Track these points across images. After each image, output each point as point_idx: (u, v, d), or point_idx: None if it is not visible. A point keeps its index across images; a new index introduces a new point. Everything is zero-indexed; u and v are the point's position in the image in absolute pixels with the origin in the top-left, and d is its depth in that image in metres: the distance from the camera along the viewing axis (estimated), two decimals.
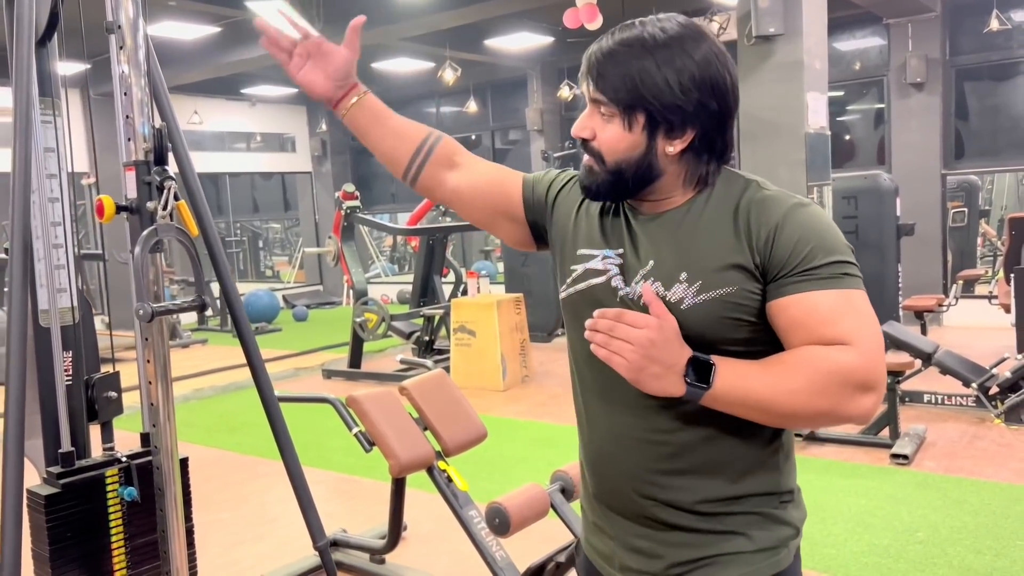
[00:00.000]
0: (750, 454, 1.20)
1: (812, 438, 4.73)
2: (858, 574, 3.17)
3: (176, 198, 1.92)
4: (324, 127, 13.16)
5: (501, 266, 11.44)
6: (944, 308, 6.88)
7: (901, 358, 4.77)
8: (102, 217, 1.88)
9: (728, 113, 1.17)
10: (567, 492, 2.71)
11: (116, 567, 2.14)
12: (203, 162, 10.78)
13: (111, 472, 2.15)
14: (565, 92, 10.24)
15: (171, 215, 1.93)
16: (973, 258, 9.93)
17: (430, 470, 2.94)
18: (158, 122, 2.02)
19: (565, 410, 5.82)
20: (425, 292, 8.13)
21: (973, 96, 8.53)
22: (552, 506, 2.63)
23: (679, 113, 1.13)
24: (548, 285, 7.87)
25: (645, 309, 1.13)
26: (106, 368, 2.42)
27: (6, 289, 1.95)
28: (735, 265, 1.14)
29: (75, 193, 2.57)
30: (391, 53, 10.06)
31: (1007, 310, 6.21)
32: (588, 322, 1.13)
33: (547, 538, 2.77)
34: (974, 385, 5.03)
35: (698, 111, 1.14)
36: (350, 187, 7.73)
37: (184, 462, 2.21)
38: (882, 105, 8.84)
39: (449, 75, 9.33)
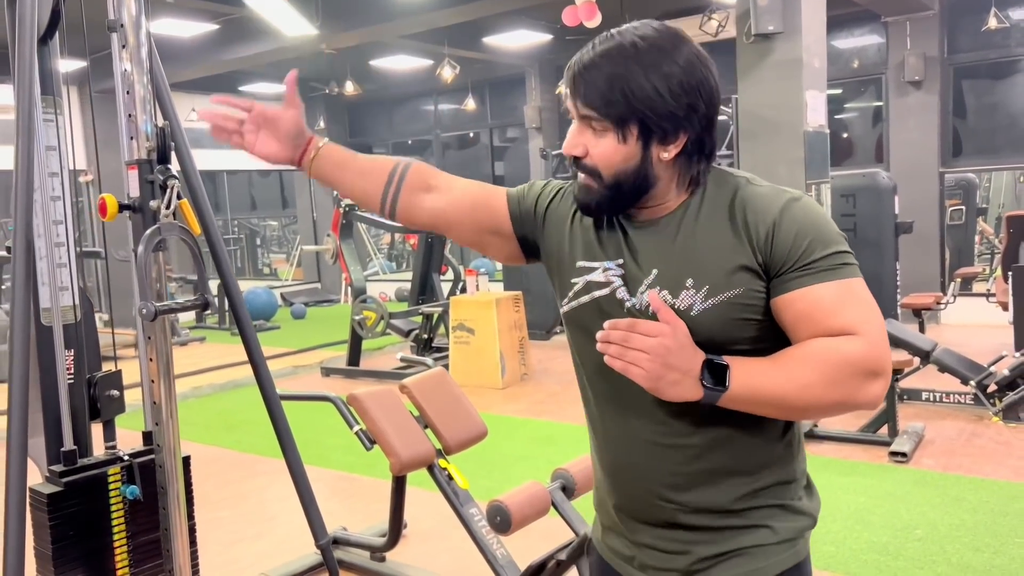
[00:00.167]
0: (766, 447, 1.22)
1: (811, 436, 4.74)
2: (857, 571, 3.18)
3: (179, 197, 1.91)
4: (322, 124, 13.13)
5: (499, 264, 11.44)
6: (942, 306, 6.90)
7: (899, 356, 4.78)
8: (105, 216, 1.88)
9: (716, 113, 1.18)
10: (568, 490, 2.71)
11: (118, 565, 2.14)
12: (201, 160, 10.68)
13: (113, 470, 2.15)
14: (563, 90, 10.22)
15: (174, 214, 1.93)
16: (971, 256, 9.94)
17: (431, 468, 2.95)
18: (160, 121, 2.01)
19: (564, 408, 5.83)
20: (424, 290, 8.13)
21: (971, 94, 8.54)
22: (553, 504, 2.63)
23: (671, 119, 1.14)
24: (547, 283, 7.79)
25: (653, 318, 1.13)
26: (107, 366, 2.43)
27: (5, 287, 1.95)
28: (741, 266, 1.15)
29: (75, 191, 2.57)
30: (389, 51, 10.05)
31: (1005, 308, 6.21)
32: (600, 334, 1.13)
33: (547, 536, 2.77)
34: (972, 383, 5.04)
35: (688, 115, 1.14)
36: None
37: (186, 460, 2.21)
38: (880, 103, 8.86)
39: (447, 73, 9.33)
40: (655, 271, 1.19)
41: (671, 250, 1.19)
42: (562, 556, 2.56)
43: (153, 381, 2.04)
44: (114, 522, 2.14)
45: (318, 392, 3.47)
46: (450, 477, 2.94)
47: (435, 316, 7.49)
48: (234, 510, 4.18)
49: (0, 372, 6.87)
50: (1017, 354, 5.20)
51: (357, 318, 7.32)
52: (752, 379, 1.11)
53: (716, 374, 1.11)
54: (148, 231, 1.90)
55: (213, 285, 2.59)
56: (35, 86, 2.07)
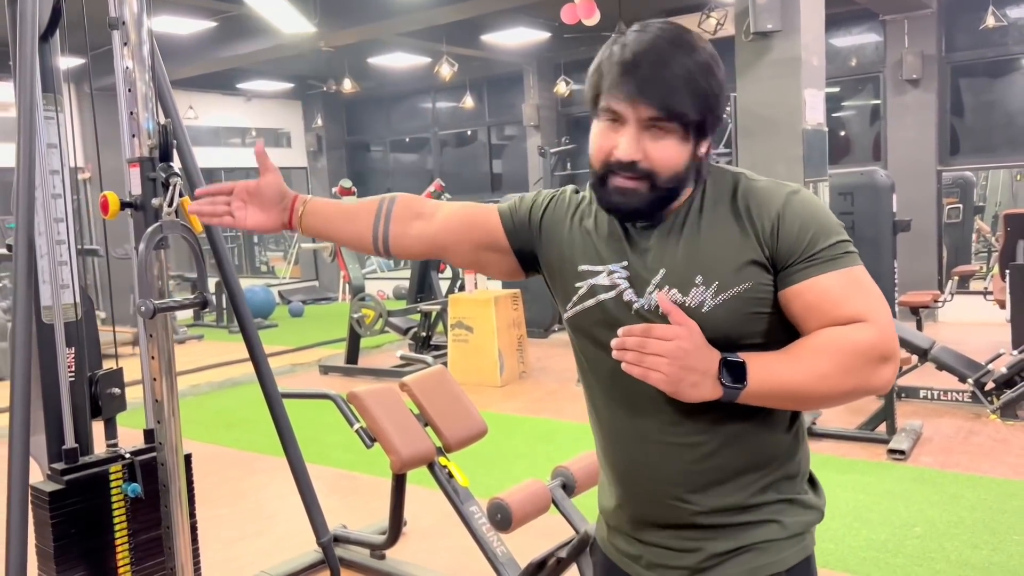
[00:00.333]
0: (774, 440, 1.22)
1: (809, 433, 4.74)
2: (856, 569, 3.19)
3: (181, 195, 1.91)
4: (320, 122, 13.13)
5: None
6: (939, 304, 6.90)
7: None
8: (107, 214, 1.88)
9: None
10: (568, 488, 2.72)
11: (120, 563, 2.15)
12: (199, 157, 10.71)
13: (115, 468, 2.16)
14: (562, 88, 10.23)
15: (176, 212, 1.93)
16: (968, 254, 9.95)
17: (431, 466, 2.95)
18: (162, 118, 2.01)
19: (563, 406, 5.83)
20: (422, 288, 8.13)
21: (968, 92, 8.55)
22: (553, 502, 2.64)
23: (718, 117, 1.17)
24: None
25: (663, 318, 1.14)
26: (107, 364, 2.43)
27: (5, 285, 1.95)
28: (749, 261, 1.16)
29: (76, 188, 2.57)
30: (387, 48, 10.04)
31: (1002, 306, 6.22)
32: (615, 341, 1.12)
33: (548, 534, 2.78)
34: (970, 381, 5.05)
35: (721, 110, 1.18)
36: (347, 182, 7.73)
37: (188, 458, 2.21)
38: (878, 101, 8.86)
39: (445, 70, 9.32)
40: (663, 270, 1.19)
41: (677, 247, 1.19)
42: (562, 554, 2.57)
43: (155, 379, 2.04)
44: (115, 520, 2.15)
45: (318, 390, 3.47)
46: (450, 475, 2.94)
47: (433, 314, 7.49)
48: (234, 508, 4.18)
49: (1, 370, 6.88)
50: (1015, 352, 5.21)
51: (355, 316, 7.32)
52: (769, 374, 1.12)
53: (734, 372, 1.11)
54: (150, 229, 1.90)
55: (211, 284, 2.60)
56: (36, 84, 2.06)
